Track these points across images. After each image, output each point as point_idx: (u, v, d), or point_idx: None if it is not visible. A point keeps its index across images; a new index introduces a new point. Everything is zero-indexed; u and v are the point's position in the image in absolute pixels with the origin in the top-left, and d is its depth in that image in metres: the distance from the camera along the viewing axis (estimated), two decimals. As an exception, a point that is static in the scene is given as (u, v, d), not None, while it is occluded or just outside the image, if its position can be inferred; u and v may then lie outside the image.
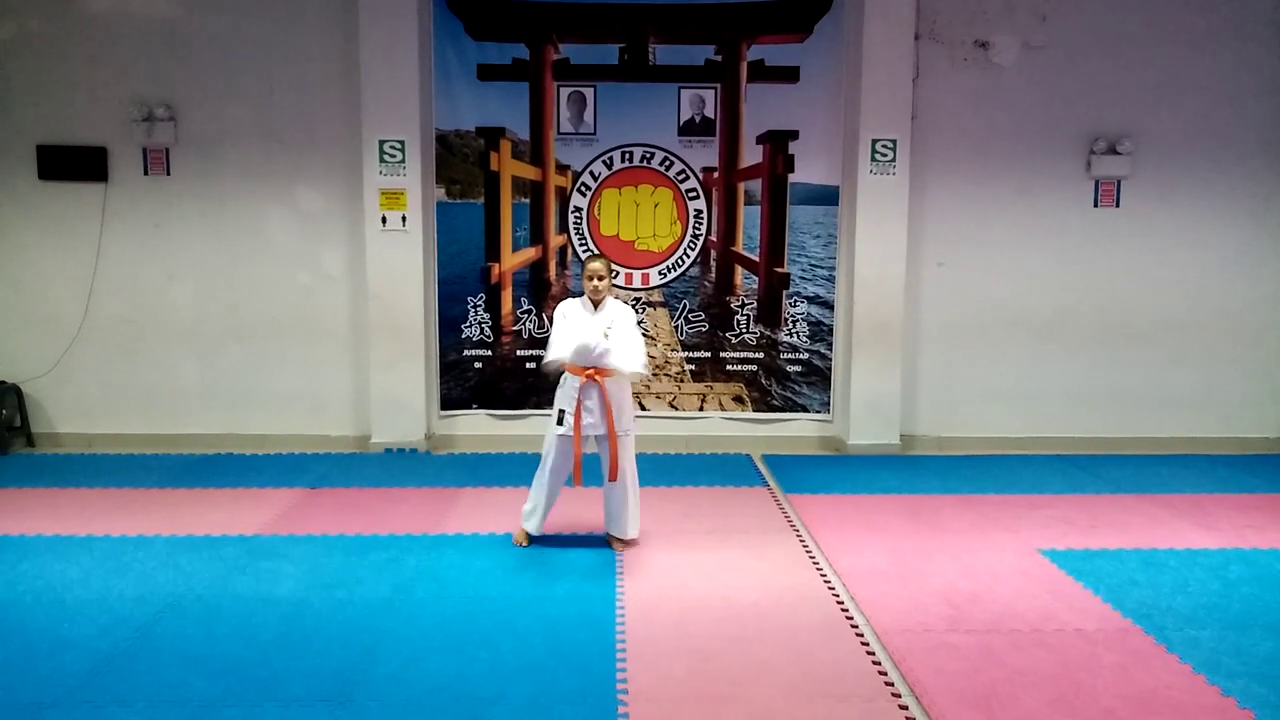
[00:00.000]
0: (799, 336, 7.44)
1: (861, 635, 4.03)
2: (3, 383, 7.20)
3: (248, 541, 5.14)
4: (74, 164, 7.07)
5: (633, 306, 7.33)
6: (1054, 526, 5.49)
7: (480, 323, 7.37)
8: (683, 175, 7.31)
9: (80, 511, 5.66)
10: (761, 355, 7.45)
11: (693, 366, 7.45)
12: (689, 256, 7.40)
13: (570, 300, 5.05)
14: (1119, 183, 7.30)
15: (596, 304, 4.93)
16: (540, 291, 7.40)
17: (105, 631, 3.99)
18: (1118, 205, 7.33)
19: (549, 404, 5.11)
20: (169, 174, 7.15)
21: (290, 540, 5.17)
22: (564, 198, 7.33)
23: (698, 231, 7.38)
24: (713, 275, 7.43)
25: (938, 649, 3.88)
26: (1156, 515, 5.74)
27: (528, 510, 5.12)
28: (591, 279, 4.91)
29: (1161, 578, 4.69)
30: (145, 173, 7.15)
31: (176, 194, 7.18)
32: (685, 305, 7.42)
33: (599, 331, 4.82)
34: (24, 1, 6.96)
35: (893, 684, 3.60)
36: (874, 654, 3.86)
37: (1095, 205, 7.33)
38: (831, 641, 3.97)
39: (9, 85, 7.04)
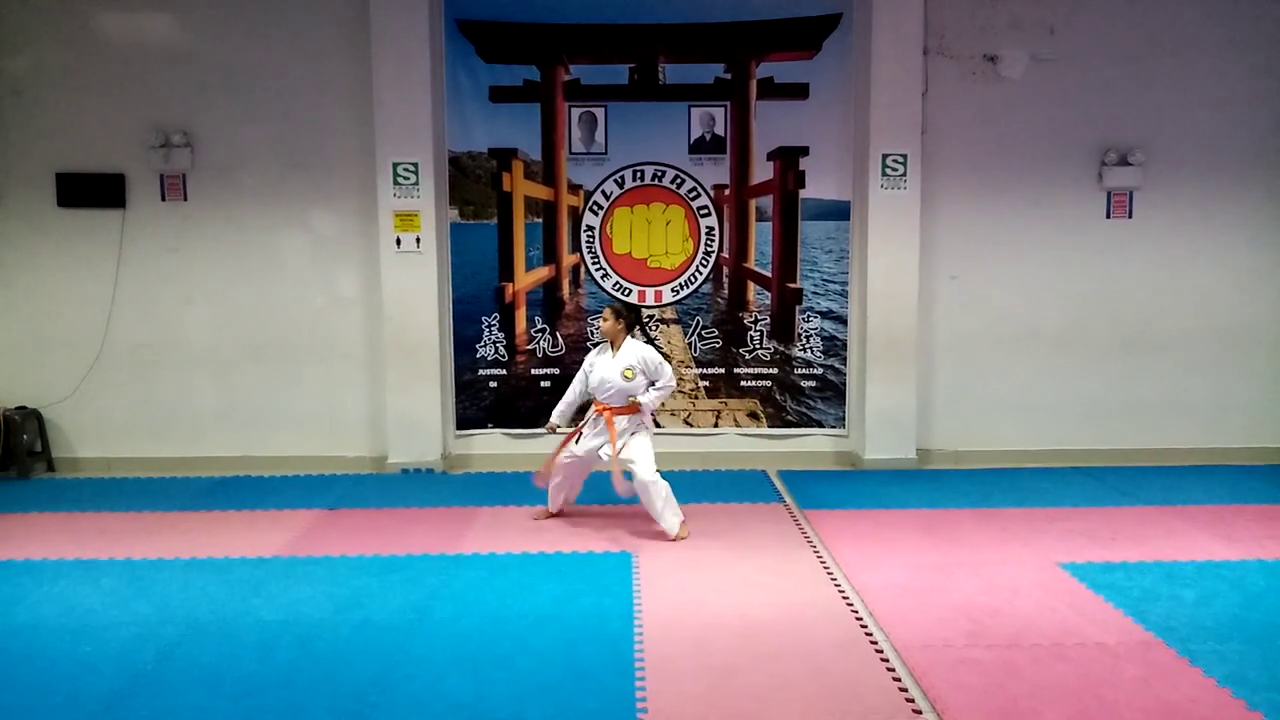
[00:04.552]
0: (813, 352, 7.44)
1: (881, 651, 4.02)
2: (23, 408, 7.26)
3: (266, 563, 5.16)
4: (92, 191, 7.16)
5: (646, 323, 7.37)
6: (1073, 540, 5.46)
7: (494, 342, 7.41)
8: (694, 193, 7.34)
9: (100, 535, 5.70)
10: (775, 371, 7.45)
11: (707, 383, 7.46)
12: (701, 273, 7.42)
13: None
14: (1131, 194, 7.28)
15: (613, 346, 5.67)
16: (554, 310, 7.43)
17: (126, 654, 4.01)
18: (1130, 216, 7.32)
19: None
20: (186, 199, 7.23)
21: (309, 561, 5.19)
22: (576, 217, 7.37)
23: (710, 248, 7.40)
24: (725, 292, 7.45)
25: (958, 664, 3.86)
26: (1176, 527, 5.70)
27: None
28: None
29: (1183, 590, 4.66)
30: (163, 198, 7.23)
31: (193, 219, 7.25)
32: (698, 322, 7.44)
33: (618, 372, 5.54)
34: (43, 32, 7.07)
35: (913, 700, 3.59)
36: (894, 670, 3.84)
37: (1107, 217, 7.32)
38: (851, 658, 3.96)
39: (29, 114, 7.14)
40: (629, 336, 5.68)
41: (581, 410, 5.87)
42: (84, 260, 7.25)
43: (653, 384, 5.60)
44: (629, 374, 5.51)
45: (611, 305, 5.81)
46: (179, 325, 7.34)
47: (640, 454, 5.53)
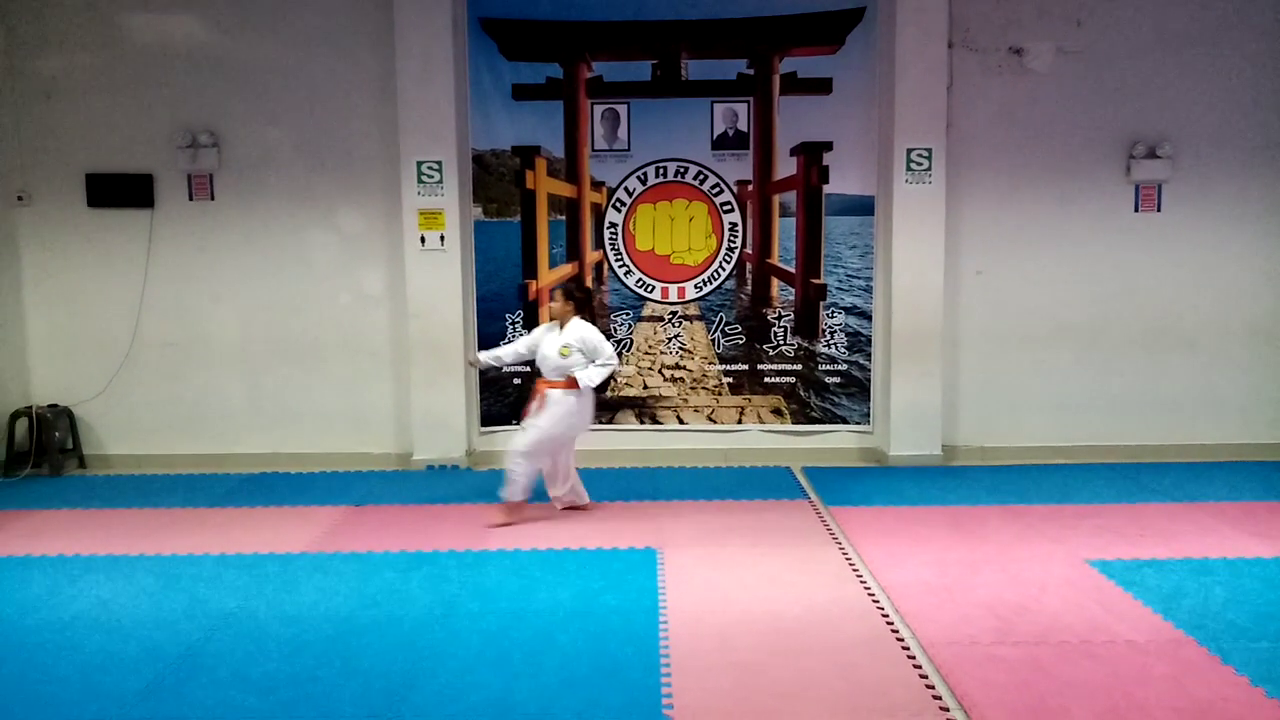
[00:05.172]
0: (837, 347, 7.41)
1: (907, 648, 4.00)
2: (55, 405, 7.36)
3: (295, 559, 5.21)
4: (121, 191, 7.24)
5: (667, 320, 7.38)
6: (1101, 536, 5.41)
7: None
8: (717, 189, 7.33)
9: (131, 531, 5.77)
10: (799, 367, 7.43)
11: (730, 379, 7.45)
12: (725, 269, 7.41)
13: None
14: (1159, 186, 7.20)
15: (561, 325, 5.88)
16: (577, 307, 7.44)
17: (157, 650, 4.06)
18: (1159, 210, 7.23)
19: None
20: (213, 199, 7.30)
21: (336, 558, 5.23)
22: (599, 214, 7.38)
23: (733, 244, 7.39)
24: (749, 288, 7.43)
25: (985, 661, 3.84)
26: (1206, 523, 5.63)
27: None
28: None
29: (1213, 588, 4.61)
30: (190, 198, 7.30)
31: (220, 218, 7.32)
32: (722, 318, 7.43)
33: (555, 348, 5.76)
34: (71, 35, 7.16)
35: (940, 697, 3.57)
36: (920, 667, 3.83)
37: (1136, 210, 7.24)
38: (877, 655, 3.94)
39: (58, 116, 7.22)
40: (577, 317, 5.82)
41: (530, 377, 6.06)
42: (113, 260, 7.34)
43: (593, 363, 5.77)
44: (565, 351, 5.72)
45: (563, 287, 5.96)
46: (207, 323, 7.42)
47: (539, 423, 5.74)
